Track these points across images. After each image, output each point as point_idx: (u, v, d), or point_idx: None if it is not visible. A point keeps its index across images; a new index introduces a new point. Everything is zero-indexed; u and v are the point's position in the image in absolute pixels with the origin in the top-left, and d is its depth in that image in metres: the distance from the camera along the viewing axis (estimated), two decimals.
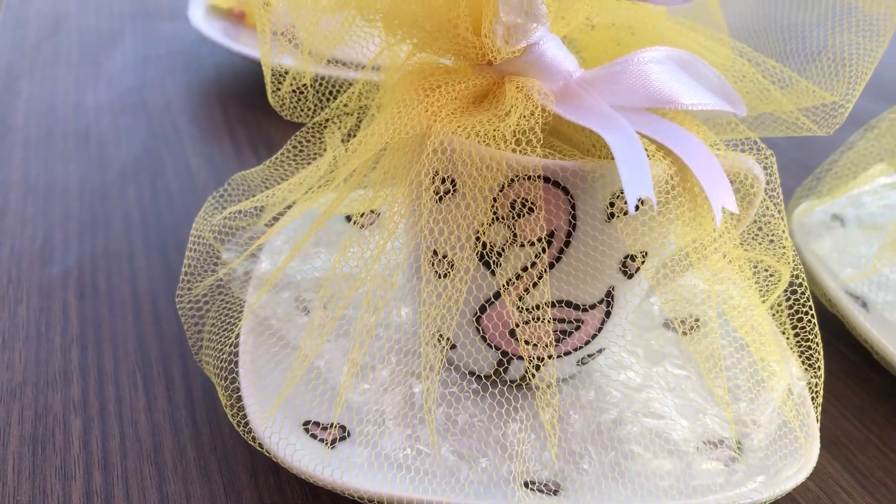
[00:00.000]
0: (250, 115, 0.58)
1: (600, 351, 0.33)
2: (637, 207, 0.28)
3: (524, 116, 0.28)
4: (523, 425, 0.31)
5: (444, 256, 0.30)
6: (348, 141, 0.33)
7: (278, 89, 0.34)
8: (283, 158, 0.36)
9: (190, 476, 0.31)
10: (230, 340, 0.32)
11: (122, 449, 0.32)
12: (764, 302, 0.33)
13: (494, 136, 0.28)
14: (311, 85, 0.34)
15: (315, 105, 0.35)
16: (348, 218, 0.42)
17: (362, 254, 0.30)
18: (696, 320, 0.34)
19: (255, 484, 0.31)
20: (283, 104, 0.34)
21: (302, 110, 0.35)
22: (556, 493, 0.29)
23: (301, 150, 0.35)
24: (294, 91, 0.35)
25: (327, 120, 0.35)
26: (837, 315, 0.40)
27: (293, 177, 0.34)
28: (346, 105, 0.36)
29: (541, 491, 0.28)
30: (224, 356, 0.32)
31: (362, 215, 0.39)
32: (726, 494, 0.29)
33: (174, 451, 0.32)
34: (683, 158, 0.28)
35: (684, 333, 0.34)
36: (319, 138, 0.35)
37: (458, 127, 0.28)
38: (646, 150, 0.27)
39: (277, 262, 0.36)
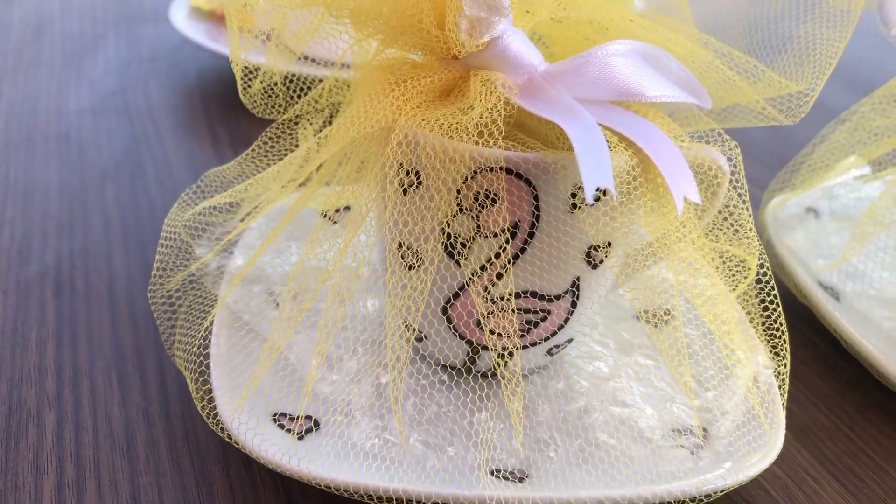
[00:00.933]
0: (232, 115, 0.59)
1: (569, 341, 0.34)
2: (598, 199, 0.29)
3: (487, 109, 0.28)
4: (491, 414, 0.31)
5: (410, 248, 0.30)
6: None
7: (249, 86, 0.35)
8: (255, 154, 0.36)
9: (162, 468, 0.31)
10: (200, 334, 0.33)
11: (94, 442, 0.32)
12: (733, 291, 0.34)
13: (458, 128, 0.28)
14: (282, 82, 0.35)
15: (286, 102, 0.35)
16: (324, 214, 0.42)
17: (330, 246, 0.30)
18: (667, 313, 0.35)
19: (227, 475, 0.31)
20: (255, 102, 0.35)
21: (273, 107, 0.35)
22: (522, 480, 0.29)
23: (273, 146, 0.36)
24: (265, 89, 0.35)
25: (298, 116, 0.36)
26: (809, 306, 0.41)
27: (266, 171, 0.34)
28: (317, 101, 0.36)
29: (507, 479, 0.29)
30: (194, 349, 0.32)
31: (336, 211, 0.39)
32: (692, 481, 0.29)
33: (147, 444, 0.32)
34: (645, 149, 0.29)
35: (655, 326, 0.35)
36: (291, 134, 0.35)
37: (423, 120, 0.28)
38: (607, 141, 0.28)
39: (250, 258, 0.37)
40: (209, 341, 0.33)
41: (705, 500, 0.29)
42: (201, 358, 0.32)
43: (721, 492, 0.29)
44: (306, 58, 0.34)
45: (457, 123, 0.28)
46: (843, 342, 0.38)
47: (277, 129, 0.35)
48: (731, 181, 0.32)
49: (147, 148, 0.54)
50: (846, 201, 0.47)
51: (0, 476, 0.30)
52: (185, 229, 0.36)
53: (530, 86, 0.30)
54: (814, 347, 0.41)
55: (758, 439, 0.31)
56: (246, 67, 0.33)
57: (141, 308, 0.39)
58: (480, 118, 0.28)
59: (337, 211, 0.39)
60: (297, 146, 0.36)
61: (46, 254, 0.42)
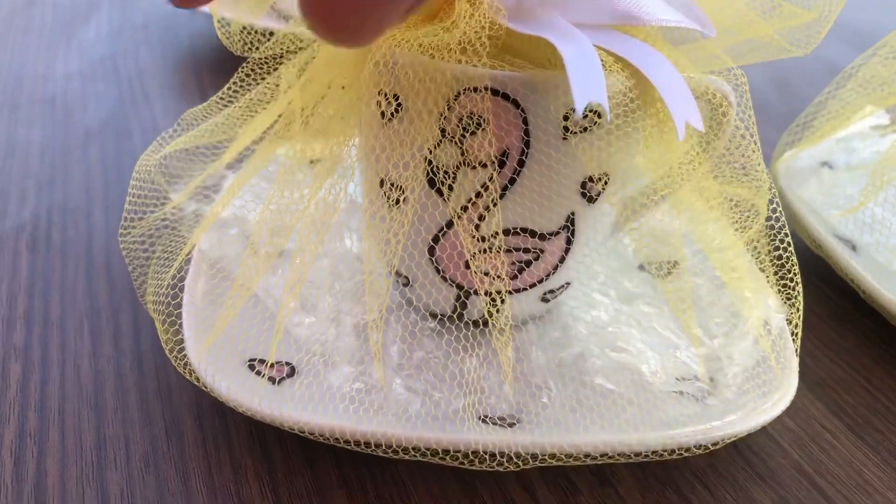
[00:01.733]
0: (224, 81, 0.57)
1: (565, 286, 0.32)
2: (594, 122, 0.27)
3: (471, 27, 0.26)
4: (481, 361, 0.29)
5: (393, 184, 0.28)
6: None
7: (228, 24, 0.33)
8: (231, 92, 0.34)
9: (130, 419, 0.29)
10: (170, 275, 0.31)
11: (60, 393, 0.30)
12: (742, 236, 0.31)
13: (439, 47, 0.26)
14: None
15: (265, 38, 0.33)
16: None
17: (304, 179, 0.28)
18: (674, 264, 0.33)
19: (199, 426, 0.29)
20: (233, 40, 0.33)
21: (251, 45, 0.33)
22: (512, 426, 0.27)
23: (252, 82, 0.34)
24: (243, 28, 0.33)
25: (280, 55, 0.34)
26: (825, 258, 0.38)
27: (237, 106, 0.32)
28: (301, 40, 0.34)
29: (496, 424, 0.27)
30: (164, 294, 0.30)
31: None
32: (699, 427, 0.27)
33: (116, 396, 0.30)
34: (644, 71, 0.26)
35: (660, 276, 0.33)
36: (269, 70, 0.33)
37: (402, 40, 0.26)
38: (602, 61, 0.26)
39: (232, 203, 0.35)
40: (182, 288, 0.31)
41: (712, 448, 0.27)
42: (174, 300, 0.30)
43: (730, 439, 0.27)
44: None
45: (438, 42, 0.26)
46: (861, 293, 0.36)
47: (256, 64, 0.34)
48: (737, 112, 0.30)
49: (134, 111, 0.52)
50: (864, 154, 0.44)
51: None
52: (158, 170, 0.34)
53: (520, 7, 0.28)
54: (828, 301, 0.38)
55: (769, 383, 0.29)
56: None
57: (117, 263, 0.37)
58: (464, 35, 0.26)
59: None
60: (277, 84, 0.34)
61: (24, 210, 0.41)
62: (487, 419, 0.27)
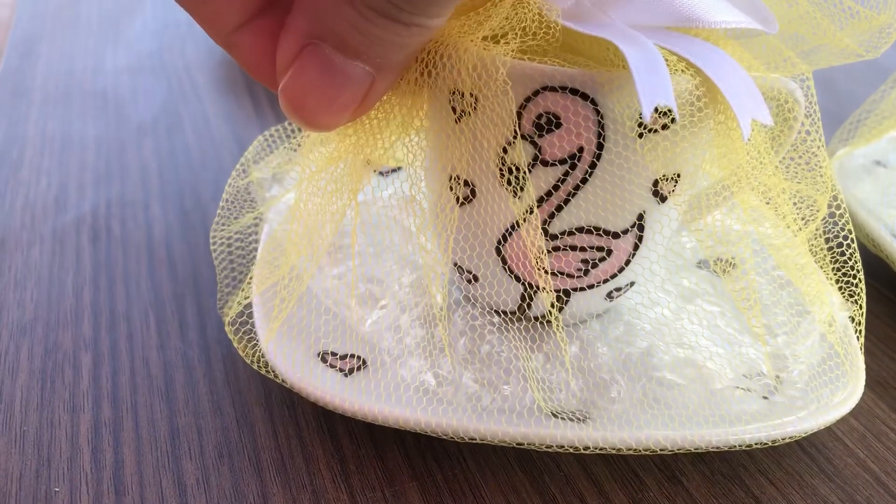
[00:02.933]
0: None
1: (630, 285, 0.32)
2: (664, 126, 0.27)
3: (530, 29, 0.26)
4: (547, 356, 0.29)
5: (463, 181, 0.29)
6: None
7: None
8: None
9: (201, 409, 0.30)
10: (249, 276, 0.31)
11: (132, 384, 0.31)
12: (801, 232, 0.31)
13: (506, 46, 0.26)
14: None
15: None
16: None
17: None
18: (730, 262, 0.33)
19: (270, 417, 0.29)
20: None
21: None
22: (583, 421, 0.27)
23: None
24: None
25: None
26: (883, 257, 0.38)
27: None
28: None
29: (568, 419, 0.27)
30: (241, 301, 0.31)
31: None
32: (767, 423, 0.27)
33: (185, 387, 0.31)
34: (706, 71, 0.26)
35: (721, 273, 0.33)
36: None
37: (469, 39, 0.27)
38: (666, 60, 0.26)
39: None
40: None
41: (780, 442, 0.27)
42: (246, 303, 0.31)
43: (799, 435, 0.27)
44: None
45: (503, 40, 0.26)
46: None
47: None
48: (804, 109, 0.30)
49: (185, 105, 0.52)
50: None
51: (35, 412, 0.29)
52: (257, 170, 0.34)
53: (577, 12, 0.28)
54: (887, 301, 0.38)
55: (836, 380, 0.29)
56: None
57: (179, 255, 0.38)
58: (524, 35, 0.26)
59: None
60: None
61: (83, 203, 0.41)
62: (558, 414, 0.27)
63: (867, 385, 0.33)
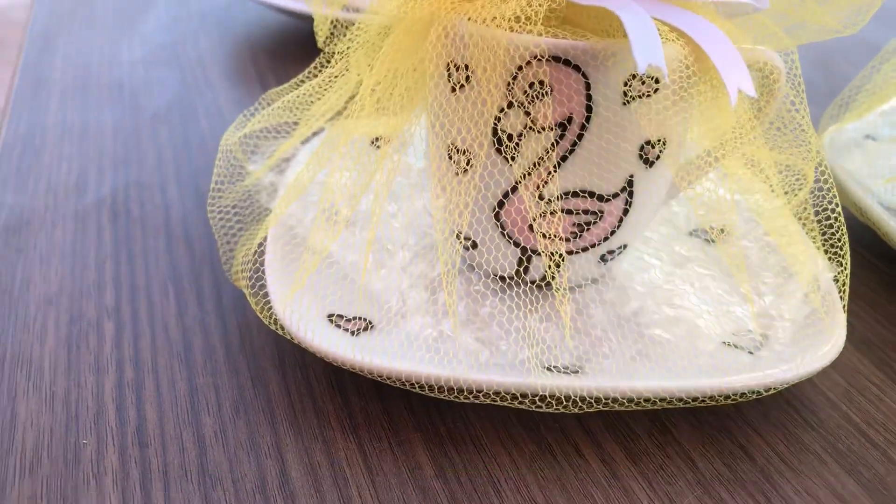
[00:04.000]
0: (280, 66, 0.59)
1: (623, 248, 0.33)
2: (654, 90, 0.28)
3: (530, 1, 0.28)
4: (542, 316, 0.31)
5: (462, 151, 0.30)
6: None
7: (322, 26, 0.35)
8: (310, 76, 0.36)
9: (219, 370, 0.31)
10: (255, 243, 0.33)
11: (152, 348, 0.32)
12: (789, 202, 0.33)
13: (504, 18, 0.28)
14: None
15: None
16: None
17: (368, 161, 0.30)
18: (721, 230, 0.34)
19: (283, 378, 0.31)
20: (325, 37, 0.35)
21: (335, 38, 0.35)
22: (576, 373, 0.29)
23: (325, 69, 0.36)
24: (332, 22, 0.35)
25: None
26: (870, 225, 0.40)
27: (311, 85, 0.34)
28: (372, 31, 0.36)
29: (561, 371, 0.29)
30: (250, 257, 0.33)
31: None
32: (752, 375, 0.29)
33: (204, 351, 0.32)
34: (697, 41, 0.28)
35: (711, 241, 0.34)
36: (345, 59, 0.35)
37: (465, 12, 0.28)
38: (658, 30, 0.27)
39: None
40: (264, 253, 0.33)
41: (765, 394, 0.29)
42: (259, 265, 0.32)
43: (782, 386, 0.29)
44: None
45: (500, 14, 0.28)
46: None
47: (332, 54, 0.35)
48: (787, 79, 0.31)
49: (198, 95, 0.54)
50: None
51: (63, 375, 0.31)
52: (239, 147, 0.36)
53: None
54: (873, 267, 0.40)
55: (818, 335, 0.30)
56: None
57: (196, 232, 0.39)
58: (527, 5, 0.27)
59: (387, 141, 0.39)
60: (347, 70, 0.35)
61: (102, 186, 0.43)
62: (552, 368, 0.29)
63: (853, 344, 0.35)
